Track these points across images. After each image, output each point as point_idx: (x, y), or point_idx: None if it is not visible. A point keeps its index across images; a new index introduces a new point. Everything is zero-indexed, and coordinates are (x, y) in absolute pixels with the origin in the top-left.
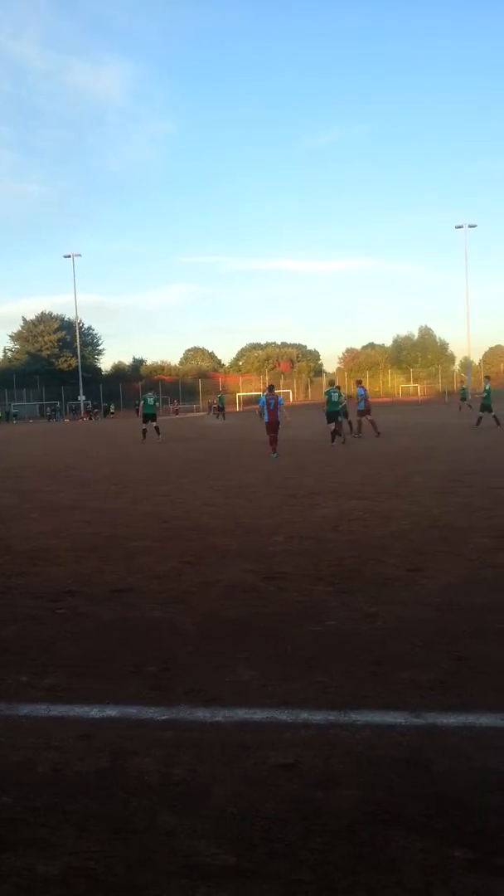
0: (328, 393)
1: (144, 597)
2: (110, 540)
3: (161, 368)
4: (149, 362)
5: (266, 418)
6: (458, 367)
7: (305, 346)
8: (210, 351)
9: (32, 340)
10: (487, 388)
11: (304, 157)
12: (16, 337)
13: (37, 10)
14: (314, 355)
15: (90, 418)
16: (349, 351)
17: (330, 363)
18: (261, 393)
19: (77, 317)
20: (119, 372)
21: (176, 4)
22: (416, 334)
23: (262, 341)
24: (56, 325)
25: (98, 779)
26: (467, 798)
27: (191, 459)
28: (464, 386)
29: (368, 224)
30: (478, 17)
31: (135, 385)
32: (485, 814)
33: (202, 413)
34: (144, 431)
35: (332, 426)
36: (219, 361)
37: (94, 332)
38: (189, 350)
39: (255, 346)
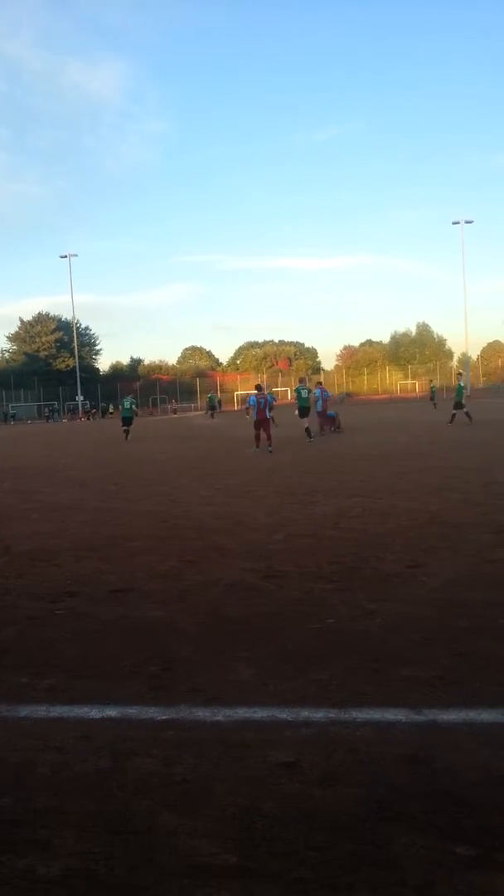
0: (297, 390)
1: (144, 596)
2: (110, 540)
3: (159, 368)
4: (146, 362)
5: (255, 416)
6: (455, 363)
7: (303, 344)
8: (208, 350)
9: (30, 341)
10: (460, 385)
11: (300, 154)
12: (13, 338)
13: (31, 9)
14: (312, 353)
15: (88, 418)
16: (347, 348)
17: (328, 361)
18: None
19: (74, 317)
20: (117, 372)
21: (170, 3)
22: (413, 331)
23: (260, 339)
24: (53, 326)
25: (98, 779)
26: (469, 795)
27: (189, 458)
28: (433, 386)
29: (365, 221)
30: (473, 12)
31: (133, 385)
32: (487, 810)
33: (200, 412)
34: (126, 432)
35: (305, 422)
36: (216, 360)
37: (92, 333)
38: (187, 349)
39: (252, 345)
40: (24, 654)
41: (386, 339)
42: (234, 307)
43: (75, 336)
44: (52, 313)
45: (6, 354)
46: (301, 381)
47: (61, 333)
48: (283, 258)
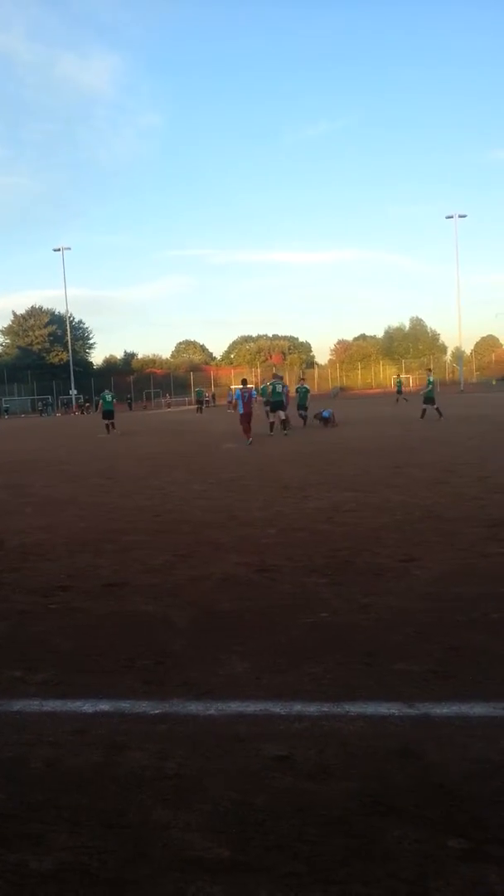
0: (273, 385)
1: (138, 591)
2: (103, 534)
3: (152, 362)
4: (140, 356)
5: (241, 410)
6: (449, 358)
7: (297, 339)
8: (201, 344)
9: (23, 335)
10: (431, 380)
11: (293, 148)
12: (6, 331)
13: (23, 2)
14: (306, 347)
15: (82, 412)
16: (341, 342)
17: (322, 355)
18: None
19: (68, 311)
20: (110, 366)
21: None
22: (407, 325)
23: (254, 334)
24: (47, 320)
25: (91, 774)
26: (461, 788)
27: (183, 453)
28: (399, 379)
29: (359, 215)
30: (465, 6)
31: (126, 378)
32: (479, 803)
33: (194, 406)
34: (108, 426)
35: (281, 415)
36: (210, 354)
37: (85, 326)
38: (181, 343)
39: (246, 339)
40: (17, 648)
41: (380, 333)
42: (228, 301)
43: (69, 330)
44: (45, 307)
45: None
46: (275, 375)
47: (55, 327)
48: (276, 252)
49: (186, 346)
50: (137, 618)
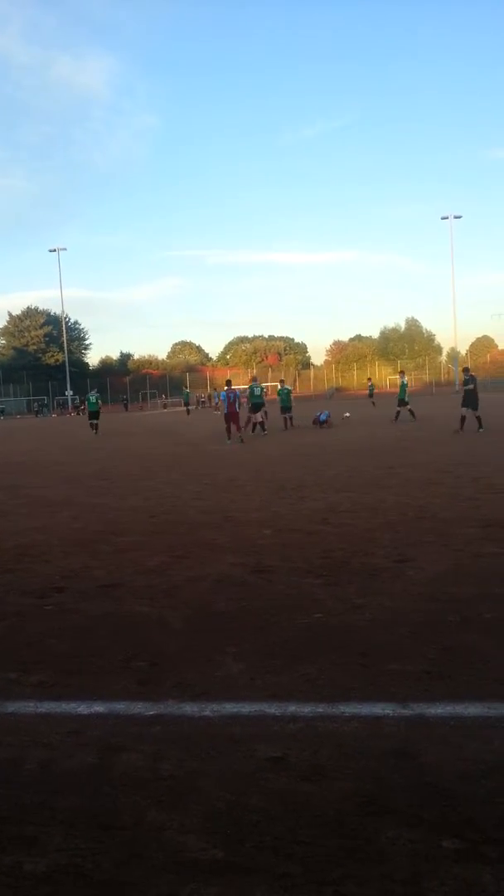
0: (251, 387)
1: (133, 592)
2: (98, 535)
3: (148, 363)
4: (136, 357)
5: (226, 410)
6: (444, 358)
7: (293, 339)
8: (197, 345)
9: (19, 335)
10: (404, 382)
11: (289, 149)
12: (2, 332)
13: (18, 3)
14: (302, 348)
15: (78, 413)
16: (336, 343)
17: (317, 355)
18: (246, 386)
19: (63, 311)
20: (106, 366)
21: None
22: (403, 326)
23: (250, 334)
24: (42, 320)
25: (86, 775)
26: (456, 788)
27: (178, 454)
28: (371, 383)
29: (355, 216)
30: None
31: (122, 379)
32: (473, 803)
33: (191, 407)
34: (94, 426)
35: (259, 416)
36: (206, 355)
37: (81, 327)
38: (176, 344)
39: (242, 340)
40: (12, 649)
41: (375, 334)
42: (224, 302)
43: (65, 331)
44: (41, 308)
45: None
46: (254, 379)
47: (50, 328)
48: (273, 253)
49: (182, 346)
50: (132, 619)
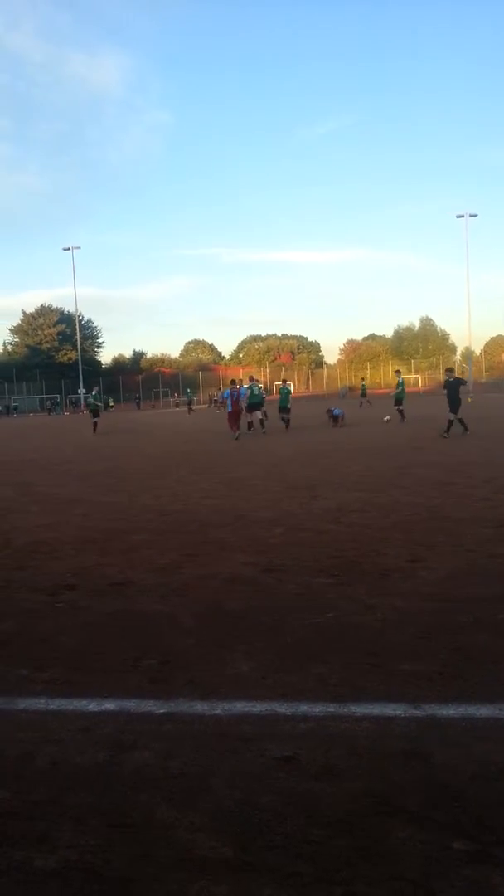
0: (251, 387)
1: (144, 590)
2: (109, 533)
3: (161, 361)
4: (149, 355)
5: (229, 408)
6: (459, 358)
7: (306, 338)
8: (210, 343)
9: (32, 334)
10: (401, 381)
11: (302, 146)
12: (15, 330)
13: (34, 1)
14: (315, 347)
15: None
16: (350, 342)
17: (331, 354)
18: (246, 386)
19: (77, 310)
20: (119, 365)
21: None
22: (417, 325)
23: (263, 333)
24: (56, 319)
25: (96, 772)
26: (467, 789)
27: (189, 452)
28: (364, 383)
29: (368, 214)
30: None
31: (135, 378)
32: (485, 805)
33: (203, 405)
34: (95, 424)
35: (258, 414)
36: (219, 354)
37: (94, 325)
38: (189, 343)
39: (255, 338)
40: (24, 646)
41: (389, 333)
42: (237, 301)
43: (78, 329)
44: (54, 306)
45: (9, 347)
46: (251, 379)
47: (63, 326)
48: (286, 251)
49: (195, 345)
50: (143, 617)
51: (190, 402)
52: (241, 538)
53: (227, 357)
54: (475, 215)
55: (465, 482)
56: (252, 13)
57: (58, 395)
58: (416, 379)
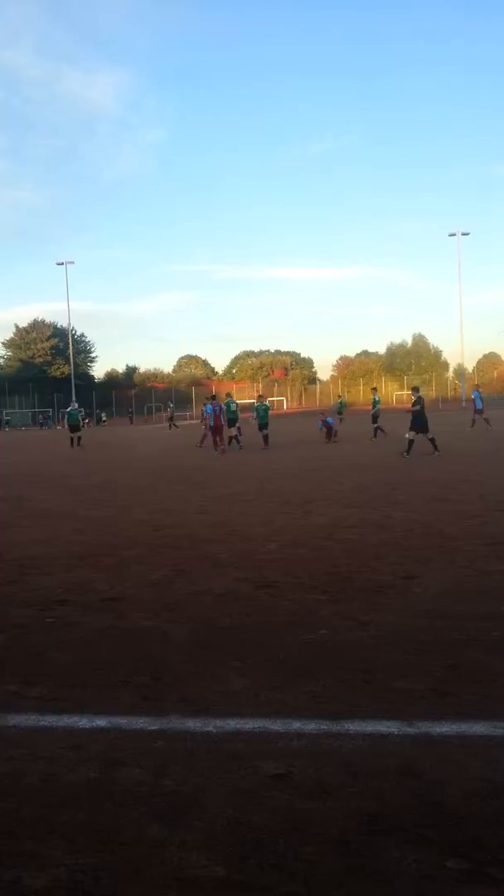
0: (227, 403)
1: (136, 605)
2: (102, 548)
3: (154, 376)
4: (142, 370)
5: (211, 423)
6: (451, 375)
7: (299, 354)
8: (203, 359)
9: (25, 347)
10: (376, 399)
11: (296, 164)
12: (8, 344)
13: (29, 17)
14: (308, 363)
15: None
16: (343, 358)
17: (324, 371)
18: (253, 401)
19: (70, 324)
20: (112, 379)
21: (168, 13)
22: (409, 342)
23: (256, 349)
24: (49, 333)
25: (87, 790)
26: (461, 807)
27: (183, 467)
28: (340, 399)
29: (362, 232)
30: (471, 20)
31: (128, 392)
32: (479, 823)
33: (195, 421)
34: (72, 440)
35: (232, 430)
36: (212, 369)
37: (87, 340)
38: (182, 358)
39: (248, 354)
40: (14, 662)
41: (382, 349)
42: (231, 316)
43: (71, 343)
44: (47, 320)
45: (1, 361)
46: (228, 395)
47: (57, 340)
48: (279, 268)
49: (188, 360)
50: (135, 633)
51: (171, 418)
52: (234, 554)
53: (221, 372)
54: (467, 234)
55: (459, 498)
56: (248, 31)
57: (50, 409)
58: (409, 396)
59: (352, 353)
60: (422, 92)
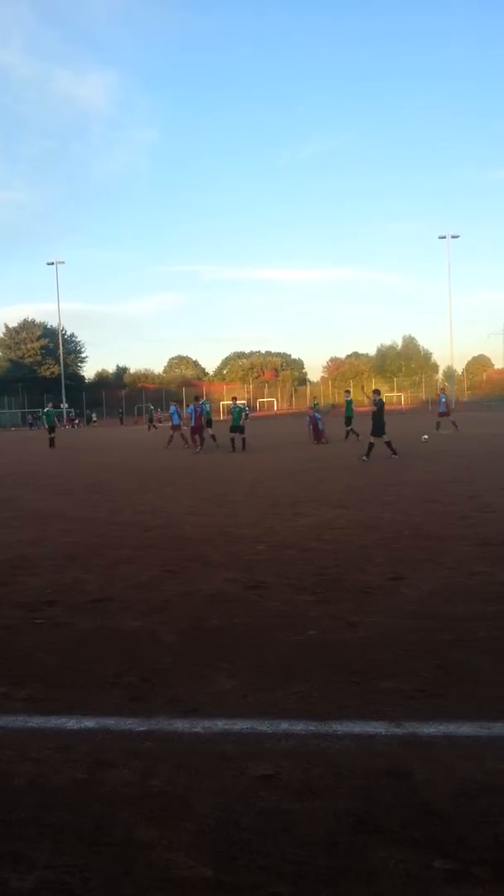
0: (202, 405)
1: (125, 606)
2: (91, 549)
3: (145, 377)
4: (132, 370)
5: (193, 423)
6: (441, 377)
7: (290, 355)
8: (194, 359)
9: (15, 348)
10: (349, 400)
11: (287, 166)
12: None
13: (20, 17)
14: (298, 364)
15: (72, 427)
16: (333, 360)
17: (314, 372)
18: (242, 402)
19: (60, 324)
20: (102, 380)
21: (159, 14)
22: (399, 344)
23: (247, 350)
24: (39, 333)
25: (75, 791)
26: (448, 808)
27: (173, 468)
28: (315, 401)
29: (353, 234)
30: (459, 24)
31: (118, 393)
32: (465, 824)
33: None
34: (51, 440)
35: (209, 430)
36: (203, 370)
37: (78, 340)
38: (173, 358)
39: (239, 355)
40: (2, 663)
41: (372, 351)
42: (221, 317)
43: (61, 343)
44: (37, 320)
45: None
46: (196, 398)
47: (47, 340)
48: (270, 269)
49: (179, 361)
50: (124, 634)
51: (151, 419)
52: (223, 555)
53: (212, 373)
54: (457, 236)
55: (448, 500)
56: (239, 33)
57: (40, 410)
58: (399, 397)
59: (342, 355)
60: (412, 95)
